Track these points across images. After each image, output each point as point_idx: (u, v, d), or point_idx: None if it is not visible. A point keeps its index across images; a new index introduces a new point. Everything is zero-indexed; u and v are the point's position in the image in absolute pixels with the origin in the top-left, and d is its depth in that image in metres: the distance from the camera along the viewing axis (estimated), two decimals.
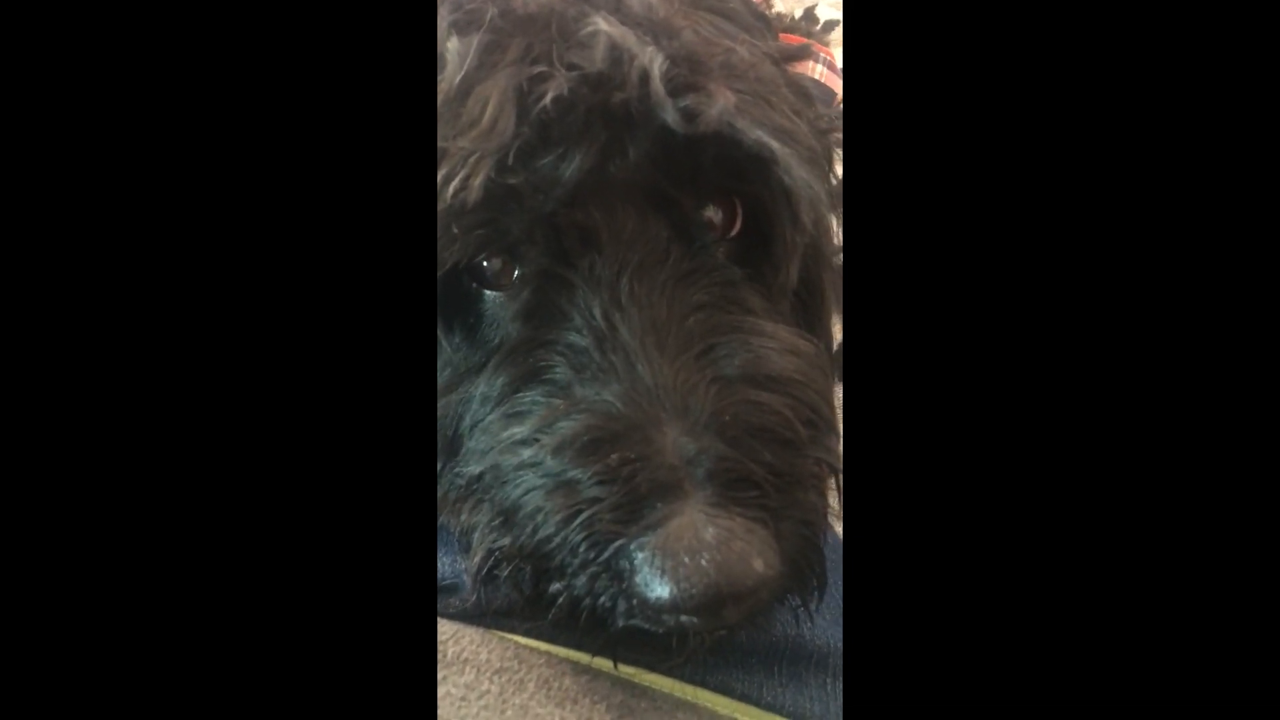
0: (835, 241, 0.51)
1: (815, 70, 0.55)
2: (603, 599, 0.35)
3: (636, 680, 0.40)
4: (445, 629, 0.40)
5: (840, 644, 0.43)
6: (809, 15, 0.83)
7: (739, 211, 0.42)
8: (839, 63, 0.71)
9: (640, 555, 0.33)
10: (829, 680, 0.42)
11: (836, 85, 0.64)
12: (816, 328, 0.48)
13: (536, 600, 0.38)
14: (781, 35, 0.54)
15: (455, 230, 0.37)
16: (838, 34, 0.82)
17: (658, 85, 0.35)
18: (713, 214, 0.41)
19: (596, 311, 0.38)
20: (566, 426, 0.36)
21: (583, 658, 0.40)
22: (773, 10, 0.71)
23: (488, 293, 0.41)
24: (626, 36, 0.35)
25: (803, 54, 0.49)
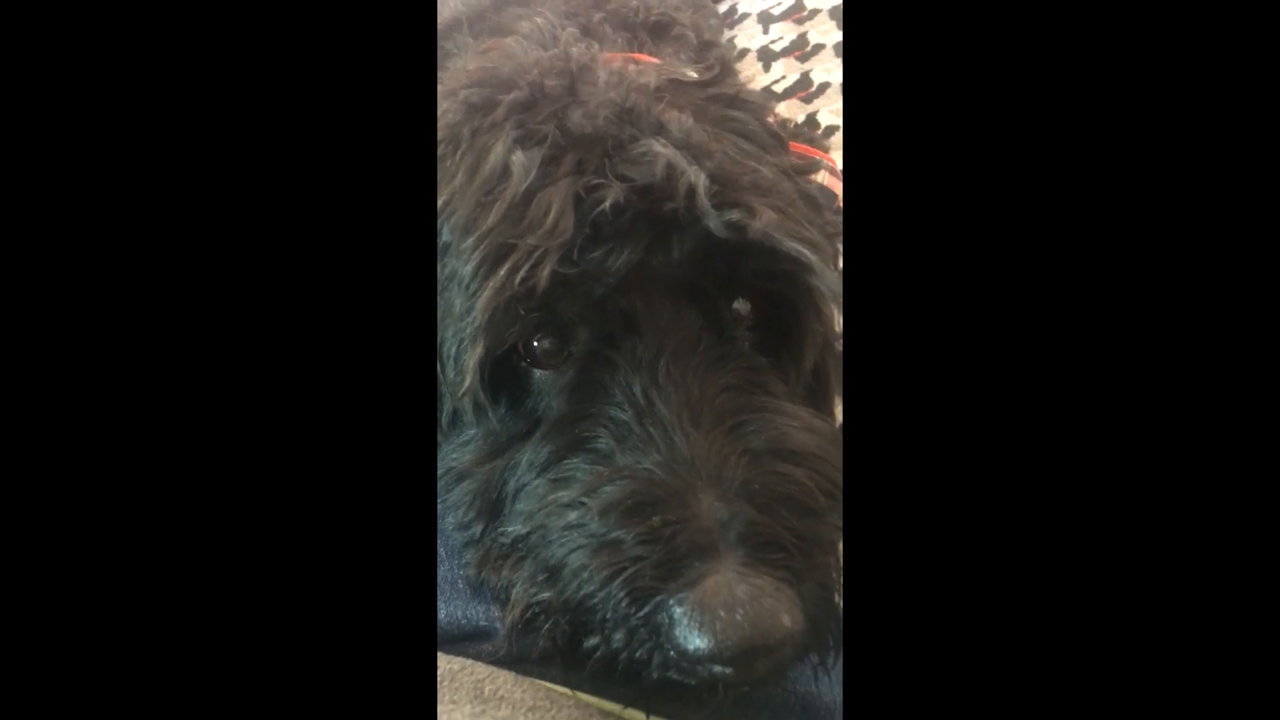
0: (834, 328, 0.57)
1: (821, 177, 0.62)
2: (639, 652, 0.39)
3: None
4: (481, 671, 0.43)
5: None
6: (811, 121, 0.91)
7: (760, 305, 0.48)
8: (839, 166, 0.78)
9: (679, 610, 0.37)
10: None
11: (837, 188, 0.71)
12: (824, 408, 0.53)
13: (572, 653, 0.42)
14: (791, 144, 0.61)
15: (521, 312, 0.42)
16: (836, 139, 0.90)
17: (703, 199, 0.41)
18: (741, 306, 0.46)
19: (637, 389, 0.43)
20: (611, 491, 0.40)
21: (606, 705, 0.43)
22: (779, 119, 0.78)
23: (536, 370, 0.46)
24: (677, 157, 0.41)
25: (812, 167, 0.56)
